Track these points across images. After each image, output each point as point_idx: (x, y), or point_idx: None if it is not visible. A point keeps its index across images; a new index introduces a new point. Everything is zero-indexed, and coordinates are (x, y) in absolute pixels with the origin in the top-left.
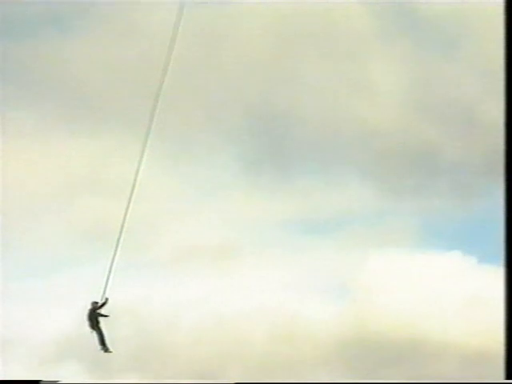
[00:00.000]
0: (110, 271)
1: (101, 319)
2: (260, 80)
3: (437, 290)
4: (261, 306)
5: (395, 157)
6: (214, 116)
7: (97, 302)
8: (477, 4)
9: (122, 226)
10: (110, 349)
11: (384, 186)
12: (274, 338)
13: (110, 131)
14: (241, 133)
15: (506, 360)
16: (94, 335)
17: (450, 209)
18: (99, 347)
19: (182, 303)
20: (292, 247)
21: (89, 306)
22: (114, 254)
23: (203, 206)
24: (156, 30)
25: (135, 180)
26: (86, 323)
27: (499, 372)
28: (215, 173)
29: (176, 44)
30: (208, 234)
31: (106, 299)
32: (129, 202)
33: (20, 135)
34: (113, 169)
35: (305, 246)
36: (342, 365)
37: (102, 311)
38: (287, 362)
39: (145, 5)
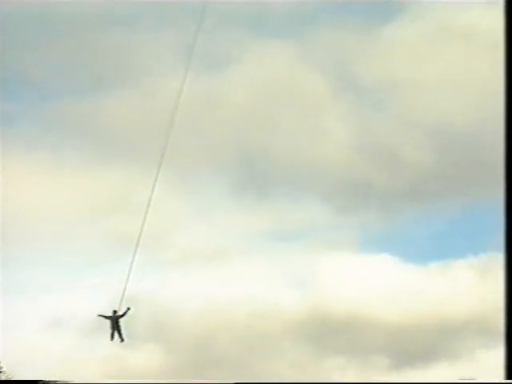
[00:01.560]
0: (130, 269)
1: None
2: (245, 129)
3: (371, 282)
4: (244, 293)
5: (342, 185)
6: (210, 155)
7: (116, 311)
8: (399, 75)
9: (140, 235)
10: (125, 339)
11: (334, 207)
12: (254, 316)
13: (133, 166)
14: (230, 167)
15: (505, 360)
16: (111, 330)
17: (380, 223)
18: (111, 338)
19: (187, 291)
20: (267, 250)
21: (110, 314)
22: (134, 256)
23: (201, 220)
24: (169, 91)
25: (149, 201)
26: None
27: (412, 339)
28: (211, 196)
29: (184, 102)
30: (205, 241)
31: (128, 309)
32: (145, 217)
33: (68, 168)
34: (135, 193)
35: (277, 250)
36: (303, 334)
37: (123, 309)
38: (263, 332)
39: (159, 71)
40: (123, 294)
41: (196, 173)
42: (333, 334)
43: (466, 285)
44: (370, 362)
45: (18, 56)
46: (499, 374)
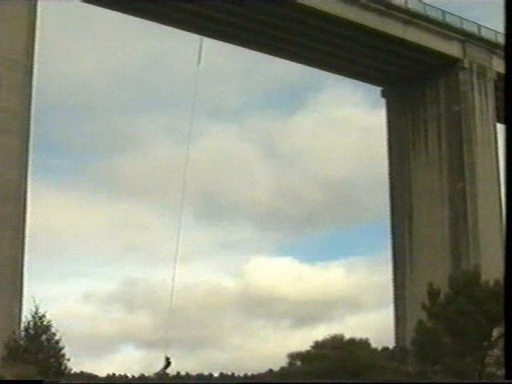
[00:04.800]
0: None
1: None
2: (205, 179)
3: (280, 274)
4: (202, 280)
5: (264, 213)
6: (189, 201)
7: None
8: (303, 146)
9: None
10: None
11: (258, 227)
12: (208, 294)
13: (137, 201)
14: (194, 202)
15: (505, 360)
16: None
17: (287, 238)
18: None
19: (167, 278)
20: (216, 254)
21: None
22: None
23: (176, 234)
24: (159, 154)
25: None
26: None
27: (305, 308)
28: (182, 220)
29: (167, 163)
30: (183, 249)
31: (168, 360)
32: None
33: (96, 202)
34: (138, 218)
35: (222, 254)
36: (238, 306)
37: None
38: (213, 304)
39: (154, 142)
40: (172, 286)
41: (173, 205)
42: (257, 306)
43: (338, 276)
44: (279, 323)
45: (67, 129)
46: (361, 331)
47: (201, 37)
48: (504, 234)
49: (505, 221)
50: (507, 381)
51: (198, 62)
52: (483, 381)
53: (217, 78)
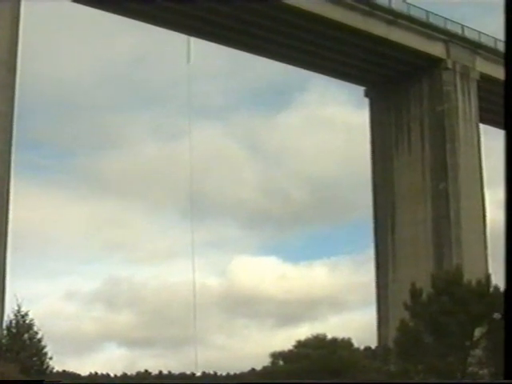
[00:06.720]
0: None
1: None
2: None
3: (264, 273)
4: (186, 278)
5: (249, 213)
6: (169, 193)
7: None
8: (288, 145)
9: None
10: None
11: (243, 226)
12: (191, 294)
13: (119, 199)
14: (181, 201)
15: (505, 359)
16: None
17: (271, 237)
18: None
19: (150, 277)
20: (201, 253)
21: None
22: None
23: (161, 233)
24: (145, 152)
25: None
26: None
27: (289, 308)
28: (168, 219)
29: (154, 160)
30: (163, 246)
31: None
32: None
33: (79, 199)
34: (119, 216)
35: (207, 252)
36: (222, 305)
37: None
38: (198, 303)
39: (138, 140)
40: (194, 285)
41: (159, 204)
42: (240, 304)
43: (321, 276)
44: (263, 322)
45: (53, 129)
46: (344, 330)
47: (188, 37)
48: (504, 235)
49: (505, 222)
50: (507, 381)
51: (188, 61)
52: (484, 381)
53: (203, 77)
